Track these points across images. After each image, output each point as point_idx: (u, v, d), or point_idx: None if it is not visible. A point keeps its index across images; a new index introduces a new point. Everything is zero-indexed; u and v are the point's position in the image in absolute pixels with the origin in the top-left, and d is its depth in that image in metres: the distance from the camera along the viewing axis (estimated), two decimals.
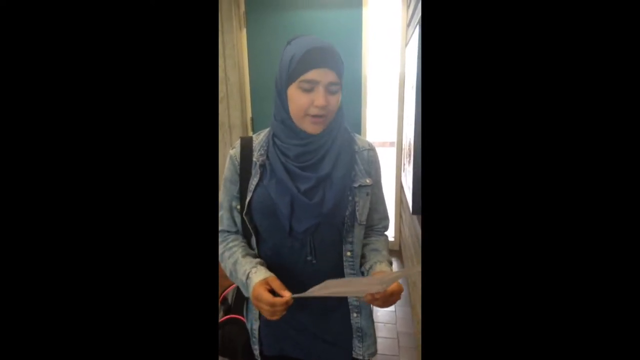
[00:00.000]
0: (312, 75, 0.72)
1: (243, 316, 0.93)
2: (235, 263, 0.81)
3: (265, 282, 0.73)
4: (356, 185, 0.82)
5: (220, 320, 0.93)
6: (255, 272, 0.76)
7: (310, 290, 0.68)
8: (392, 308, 2.26)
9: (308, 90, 0.73)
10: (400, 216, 2.82)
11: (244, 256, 0.81)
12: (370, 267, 0.83)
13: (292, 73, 0.74)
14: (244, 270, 0.78)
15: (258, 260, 0.81)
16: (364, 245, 0.87)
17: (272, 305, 0.70)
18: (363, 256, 0.87)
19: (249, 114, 2.73)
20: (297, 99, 0.74)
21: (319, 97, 0.73)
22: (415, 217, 1.83)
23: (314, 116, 0.74)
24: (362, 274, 0.86)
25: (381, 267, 0.81)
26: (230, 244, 0.84)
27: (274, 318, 0.72)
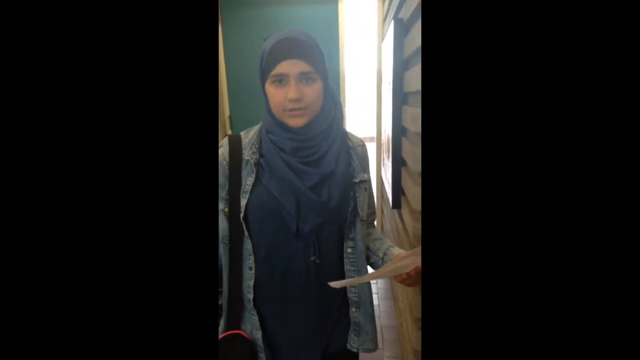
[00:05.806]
0: (280, 68, 0.71)
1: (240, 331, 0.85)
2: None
3: None
4: (356, 180, 0.82)
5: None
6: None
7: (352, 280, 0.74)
8: (375, 302, 2.28)
9: (281, 85, 0.72)
10: (382, 211, 2.84)
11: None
12: (385, 254, 0.84)
13: (264, 70, 0.73)
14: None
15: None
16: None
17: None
18: (368, 248, 0.87)
19: (227, 112, 2.70)
20: (272, 95, 0.73)
21: (290, 90, 0.71)
22: (395, 211, 1.84)
23: (291, 110, 0.73)
24: (372, 265, 0.87)
25: (397, 250, 0.84)
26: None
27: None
